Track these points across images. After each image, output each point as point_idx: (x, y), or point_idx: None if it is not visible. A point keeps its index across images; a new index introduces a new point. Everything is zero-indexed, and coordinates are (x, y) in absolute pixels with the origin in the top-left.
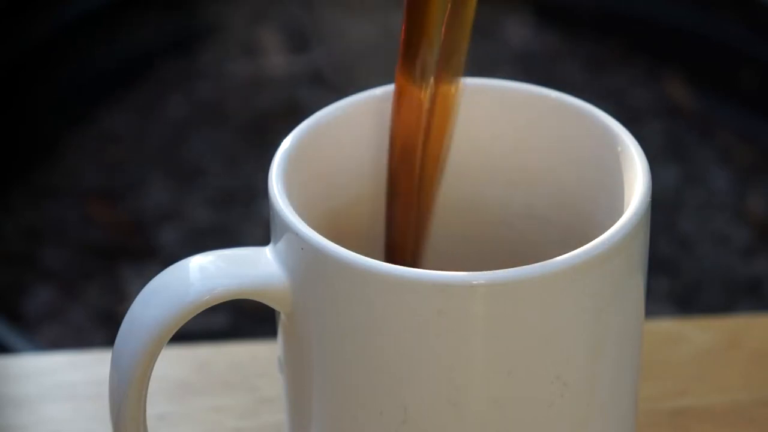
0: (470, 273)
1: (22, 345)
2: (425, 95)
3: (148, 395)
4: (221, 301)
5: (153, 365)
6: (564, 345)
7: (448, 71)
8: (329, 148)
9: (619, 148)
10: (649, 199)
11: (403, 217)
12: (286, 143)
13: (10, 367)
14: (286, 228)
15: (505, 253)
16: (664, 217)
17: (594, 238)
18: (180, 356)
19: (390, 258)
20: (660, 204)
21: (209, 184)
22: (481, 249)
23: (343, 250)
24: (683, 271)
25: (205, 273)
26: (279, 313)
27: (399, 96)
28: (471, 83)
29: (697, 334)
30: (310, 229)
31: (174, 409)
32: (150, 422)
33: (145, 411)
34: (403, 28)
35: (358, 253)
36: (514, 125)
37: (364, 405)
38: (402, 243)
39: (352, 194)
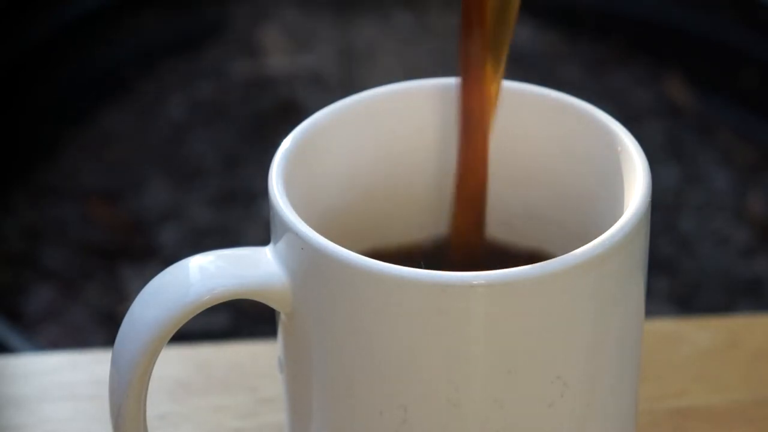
0: (470, 273)
1: (21, 345)
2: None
3: (148, 395)
4: (221, 301)
5: (153, 365)
6: (564, 345)
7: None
8: (329, 148)
9: (619, 148)
10: (649, 199)
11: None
12: (286, 143)
13: (10, 367)
14: (286, 228)
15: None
16: (664, 217)
17: (594, 238)
18: (180, 356)
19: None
20: (660, 204)
21: (209, 184)
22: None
23: (343, 250)
24: (683, 271)
25: (205, 273)
26: (279, 313)
27: (465, 82)
28: None
29: (697, 334)
30: (310, 229)
31: (174, 409)
32: (150, 422)
33: (145, 411)
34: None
35: (358, 253)
36: (514, 125)
37: (364, 405)
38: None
39: (352, 194)
